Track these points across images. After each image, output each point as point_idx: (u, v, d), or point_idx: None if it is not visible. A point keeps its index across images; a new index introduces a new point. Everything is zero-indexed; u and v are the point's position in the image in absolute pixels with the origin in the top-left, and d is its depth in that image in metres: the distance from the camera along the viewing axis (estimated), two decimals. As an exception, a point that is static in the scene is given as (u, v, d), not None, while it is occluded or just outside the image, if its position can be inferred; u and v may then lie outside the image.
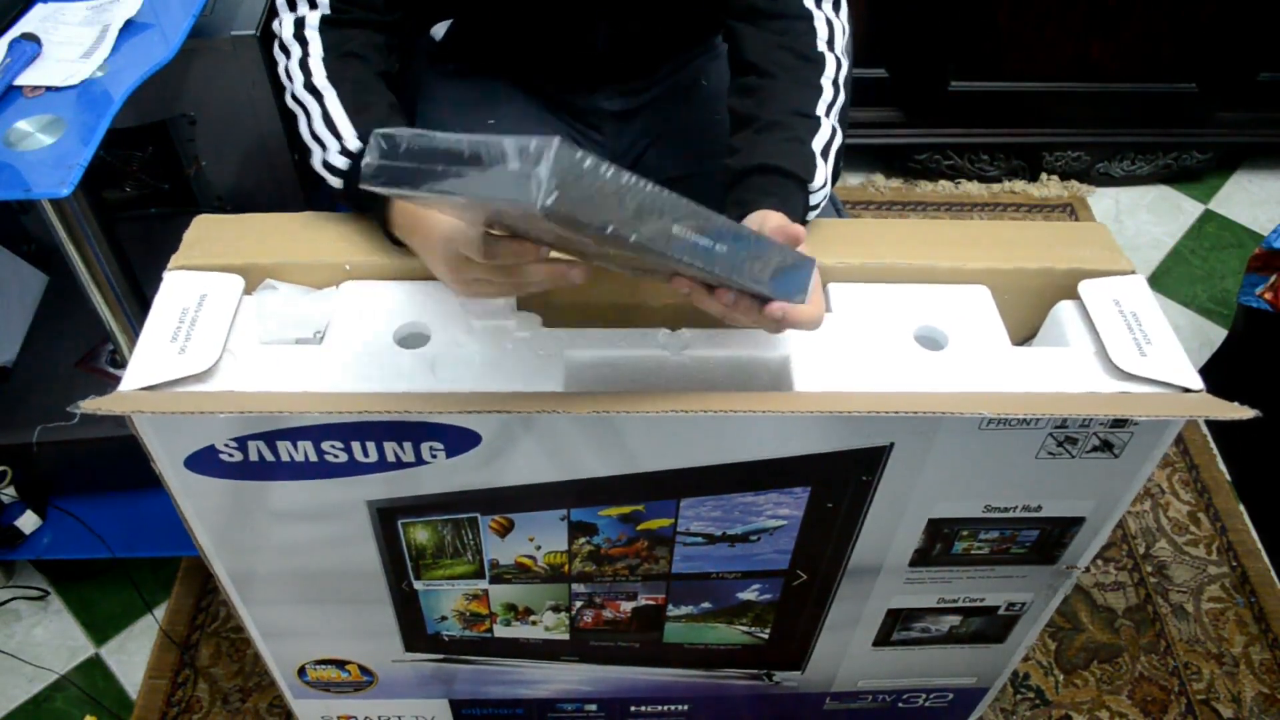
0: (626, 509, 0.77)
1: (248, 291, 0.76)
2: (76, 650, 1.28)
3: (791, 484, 0.75)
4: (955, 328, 0.77)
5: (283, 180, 1.32)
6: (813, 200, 0.78)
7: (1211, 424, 1.52)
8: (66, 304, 1.33)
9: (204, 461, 0.71)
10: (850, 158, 1.94)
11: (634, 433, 0.70)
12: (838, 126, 0.82)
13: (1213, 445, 1.50)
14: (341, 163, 0.78)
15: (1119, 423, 0.71)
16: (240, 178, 1.32)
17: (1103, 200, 1.91)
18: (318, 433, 0.69)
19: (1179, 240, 1.85)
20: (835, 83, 0.82)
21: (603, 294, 0.79)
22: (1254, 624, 1.31)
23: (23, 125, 0.87)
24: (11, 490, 1.23)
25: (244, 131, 1.27)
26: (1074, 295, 0.79)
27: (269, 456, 0.70)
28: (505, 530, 0.78)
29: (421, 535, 0.79)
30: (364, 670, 0.96)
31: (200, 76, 1.21)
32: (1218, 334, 1.67)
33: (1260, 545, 1.39)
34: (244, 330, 0.74)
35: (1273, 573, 1.36)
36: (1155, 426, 0.72)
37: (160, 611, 1.29)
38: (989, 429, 0.71)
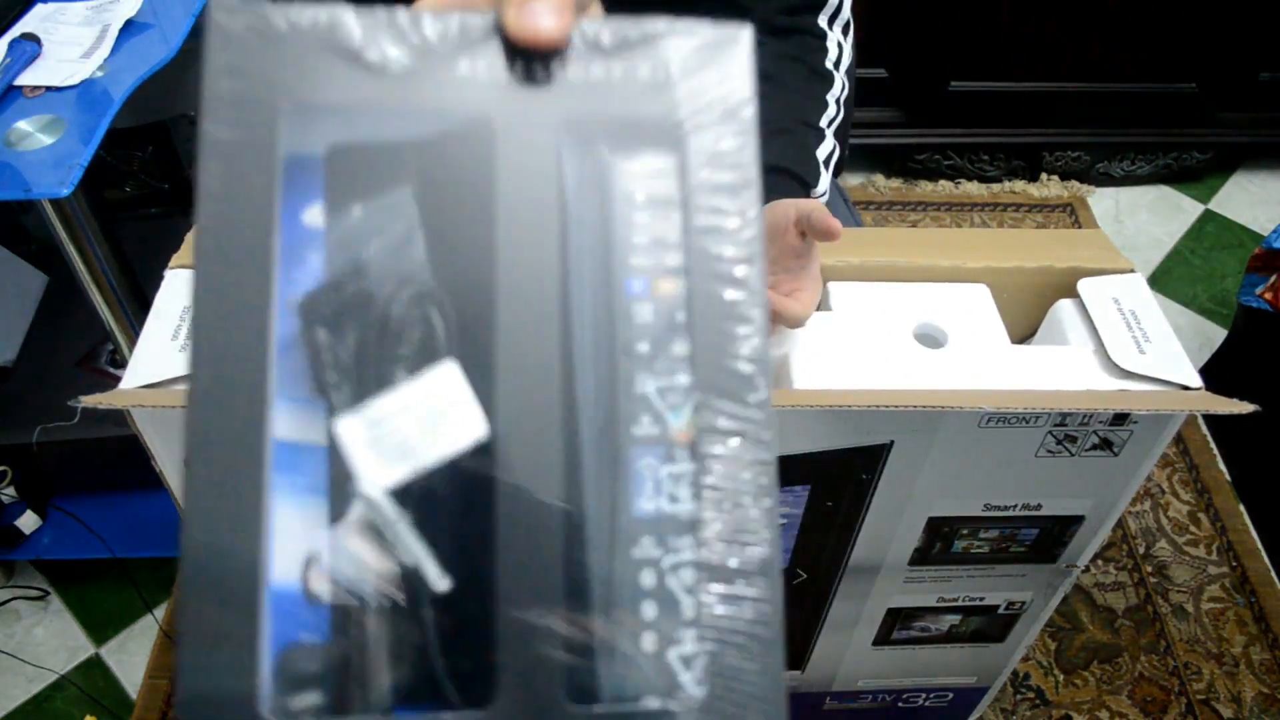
0: None
1: None
2: (76, 650, 1.28)
3: (791, 482, 0.75)
4: (955, 326, 0.77)
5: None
6: None
7: (1211, 424, 1.52)
8: (66, 304, 1.33)
9: None
10: (850, 158, 1.94)
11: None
12: (838, 144, 0.83)
13: (1213, 445, 1.50)
14: None
15: (1119, 420, 0.71)
16: (240, 178, 1.33)
17: (1103, 200, 1.91)
18: None
19: (1179, 240, 1.85)
20: (839, 101, 0.84)
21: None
22: (1254, 624, 1.31)
23: (23, 125, 0.87)
24: (11, 490, 1.23)
25: (244, 131, 1.27)
26: (1073, 294, 0.80)
27: None
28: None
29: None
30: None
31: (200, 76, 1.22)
32: (1218, 334, 1.67)
33: (1260, 545, 1.39)
34: None
35: (1273, 573, 1.36)
36: (1155, 424, 0.72)
37: (160, 611, 1.29)
38: (989, 426, 0.71)
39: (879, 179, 1.93)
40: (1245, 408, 0.63)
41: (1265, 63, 1.78)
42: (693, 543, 0.32)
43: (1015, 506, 0.79)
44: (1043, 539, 0.83)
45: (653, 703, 0.31)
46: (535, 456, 0.32)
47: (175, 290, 0.74)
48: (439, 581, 0.31)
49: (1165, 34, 1.71)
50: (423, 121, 0.33)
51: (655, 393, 0.33)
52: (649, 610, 0.31)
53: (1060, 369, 0.74)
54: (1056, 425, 0.71)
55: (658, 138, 0.34)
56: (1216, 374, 1.54)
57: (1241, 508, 1.43)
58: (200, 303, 0.31)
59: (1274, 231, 1.44)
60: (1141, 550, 1.38)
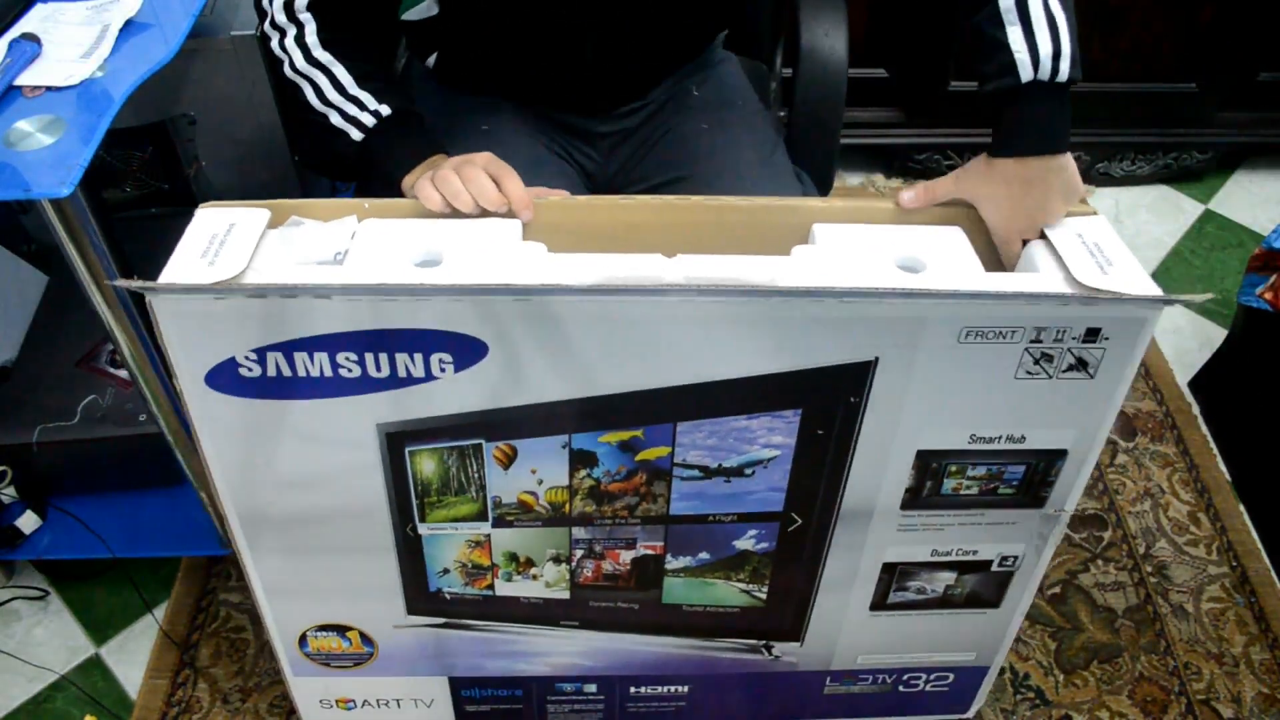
0: (625, 435, 0.79)
1: (273, 226, 0.80)
2: (76, 650, 1.28)
3: (782, 406, 0.78)
4: (934, 258, 0.81)
5: (283, 180, 1.32)
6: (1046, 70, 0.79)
7: (1211, 424, 1.52)
8: (66, 304, 1.34)
9: (224, 376, 0.74)
10: (850, 158, 1.94)
11: (633, 339, 0.74)
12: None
13: (1213, 445, 1.50)
14: (369, 120, 0.90)
15: (1091, 335, 0.75)
16: (240, 178, 1.33)
17: (1103, 200, 1.91)
18: (333, 343, 0.72)
19: (1179, 240, 1.85)
20: None
21: (601, 222, 0.85)
22: (1254, 624, 1.31)
23: (23, 125, 0.87)
24: (11, 490, 1.23)
25: (244, 131, 1.27)
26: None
27: (286, 371, 0.74)
28: (508, 460, 0.81)
29: (428, 466, 0.82)
30: (365, 639, 0.97)
31: (200, 76, 1.22)
32: (1218, 334, 1.66)
33: (1260, 545, 1.39)
34: (269, 253, 0.78)
35: (1273, 573, 1.36)
36: (1126, 338, 0.77)
37: (160, 611, 1.29)
38: (968, 341, 0.74)
39: (879, 179, 1.93)
40: (1203, 297, 0.71)
41: (1265, 63, 1.78)
42: None
43: (1000, 439, 0.82)
44: (1029, 478, 0.86)
45: None
46: None
47: (206, 221, 0.79)
48: None
49: (1165, 34, 1.71)
50: None
51: None
52: None
53: (1032, 289, 0.77)
54: (1033, 342, 0.75)
55: None
56: (1216, 374, 1.54)
57: (1241, 508, 1.43)
58: None
59: (1274, 231, 1.44)
60: (1141, 550, 1.38)
